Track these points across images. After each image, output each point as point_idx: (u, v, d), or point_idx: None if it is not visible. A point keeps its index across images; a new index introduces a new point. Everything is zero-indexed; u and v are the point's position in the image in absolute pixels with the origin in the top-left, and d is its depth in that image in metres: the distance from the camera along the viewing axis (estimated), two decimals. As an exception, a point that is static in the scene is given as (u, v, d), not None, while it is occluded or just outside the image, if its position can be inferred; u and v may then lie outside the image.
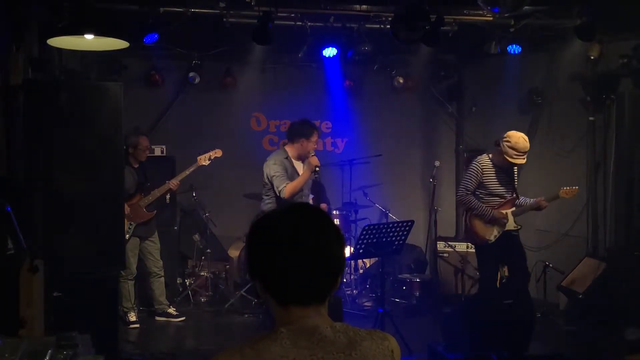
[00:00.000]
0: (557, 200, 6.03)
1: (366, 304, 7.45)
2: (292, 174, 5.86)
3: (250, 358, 1.50)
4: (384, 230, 5.73)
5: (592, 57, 7.07)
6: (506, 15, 6.13)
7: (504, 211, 5.94)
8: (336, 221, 6.76)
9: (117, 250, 5.07)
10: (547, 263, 7.01)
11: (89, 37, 4.31)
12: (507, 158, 5.70)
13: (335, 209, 7.71)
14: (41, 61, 5.06)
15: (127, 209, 6.25)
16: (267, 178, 5.86)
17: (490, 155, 5.93)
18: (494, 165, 5.88)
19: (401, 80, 8.35)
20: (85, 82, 5.91)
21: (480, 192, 5.94)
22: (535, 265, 7.35)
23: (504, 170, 5.91)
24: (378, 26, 6.59)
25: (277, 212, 1.64)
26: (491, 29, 6.72)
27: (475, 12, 6.38)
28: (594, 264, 6.93)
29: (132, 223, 6.53)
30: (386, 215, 8.04)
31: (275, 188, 5.77)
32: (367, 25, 6.65)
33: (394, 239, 5.77)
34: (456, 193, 6.21)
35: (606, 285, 6.64)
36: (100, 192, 4.82)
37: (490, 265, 6.10)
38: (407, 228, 5.81)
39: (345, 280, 7.35)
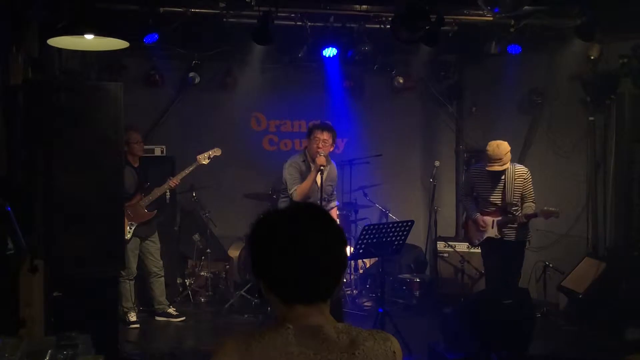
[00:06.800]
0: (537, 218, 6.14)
1: (366, 304, 7.45)
2: (307, 175, 6.10)
3: (255, 350, 1.53)
4: (384, 230, 5.73)
5: (592, 57, 7.07)
6: (506, 15, 6.13)
7: (489, 218, 6.14)
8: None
9: (117, 250, 5.05)
10: (547, 263, 7.01)
11: (89, 37, 4.30)
12: (485, 166, 6.04)
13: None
14: (41, 61, 5.05)
15: (127, 209, 6.25)
16: (284, 179, 6.20)
17: (483, 163, 6.18)
18: (483, 173, 6.11)
19: (401, 80, 8.33)
20: (85, 82, 5.89)
21: (477, 197, 6.26)
22: (535, 265, 7.35)
23: (492, 178, 6.10)
24: (378, 26, 6.58)
25: (279, 211, 1.66)
26: (491, 29, 6.72)
27: (475, 12, 6.38)
28: (594, 264, 6.93)
29: (132, 223, 6.54)
30: (386, 215, 8.04)
31: (288, 191, 6.11)
32: (367, 25, 6.64)
33: (394, 239, 5.77)
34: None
35: (606, 285, 6.64)
36: (100, 192, 4.80)
37: (486, 262, 6.39)
38: (407, 228, 5.81)
39: (345, 280, 7.35)
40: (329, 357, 1.54)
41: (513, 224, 6.05)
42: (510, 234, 6.08)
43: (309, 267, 1.57)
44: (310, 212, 1.65)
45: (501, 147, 5.95)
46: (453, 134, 8.85)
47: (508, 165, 5.99)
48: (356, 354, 1.56)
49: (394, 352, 1.64)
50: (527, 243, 6.24)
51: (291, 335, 1.54)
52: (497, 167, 5.97)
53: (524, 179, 6.03)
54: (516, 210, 6.00)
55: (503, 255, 6.16)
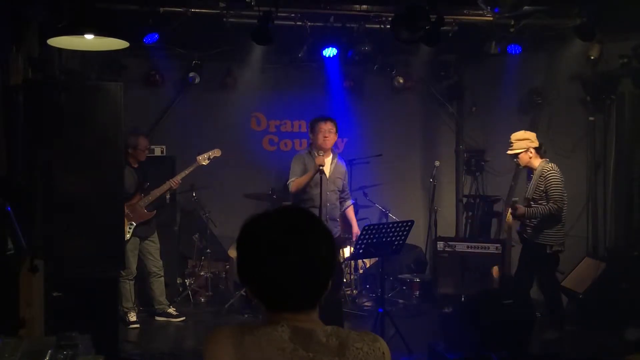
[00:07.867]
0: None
1: (366, 304, 7.45)
2: (310, 168, 6.18)
3: (249, 343, 1.54)
4: (384, 230, 5.72)
5: (592, 57, 7.08)
6: (506, 15, 6.14)
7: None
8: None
9: (117, 250, 5.05)
10: (547, 263, 7.00)
11: (89, 37, 4.30)
12: None
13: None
14: (41, 61, 5.05)
15: (127, 209, 6.26)
16: None
17: None
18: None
19: (401, 80, 8.34)
20: (85, 82, 5.89)
21: None
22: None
23: (523, 170, 6.15)
24: (378, 26, 6.59)
25: (265, 216, 1.64)
26: (491, 29, 6.72)
27: (475, 12, 6.38)
28: (594, 264, 6.93)
29: (132, 223, 6.54)
30: (386, 215, 8.05)
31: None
32: (367, 25, 6.65)
33: (393, 239, 5.76)
34: None
35: (606, 285, 6.64)
36: (100, 192, 4.80)
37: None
38: (407, 228, 5.81)
39: (345, 280, 7.35)
40: (321, 358, 1.54)
41: (530, 222, 5.96)
42: (528, 232, 6.01)
43: (294, 274, 1.55)
44: (295, 215, 1.64)
45: (516, 133, 6.04)
46: (453, 134, 8.86)
47: (518, 151, 5.94)
48: (346, 355, 1.57)
49: (383, 353, 1.65)
50: (548, 248, 5.90)
51: (285, 333, 1.55)
52: (509, 151, 6.06)
53: (544, 177, 5.86)
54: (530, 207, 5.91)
55: (522, 253, 6.15)
